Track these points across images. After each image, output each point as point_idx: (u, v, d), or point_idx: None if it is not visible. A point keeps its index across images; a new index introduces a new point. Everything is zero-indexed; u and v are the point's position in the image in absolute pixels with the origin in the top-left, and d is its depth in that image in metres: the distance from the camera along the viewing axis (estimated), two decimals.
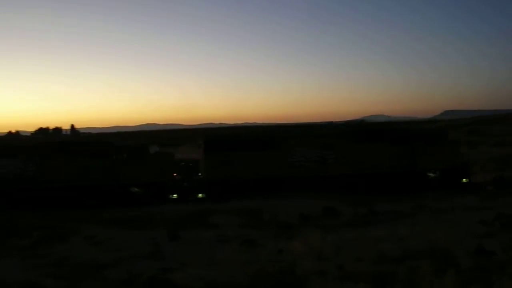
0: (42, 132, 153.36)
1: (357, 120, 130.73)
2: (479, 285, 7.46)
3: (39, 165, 32.03)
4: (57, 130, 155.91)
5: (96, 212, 25.07)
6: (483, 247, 9.92)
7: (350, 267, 9.39)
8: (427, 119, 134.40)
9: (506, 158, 42.48)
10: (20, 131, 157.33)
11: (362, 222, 18.16)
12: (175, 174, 34.83)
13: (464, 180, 33.34)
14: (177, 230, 16.51)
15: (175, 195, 33.21)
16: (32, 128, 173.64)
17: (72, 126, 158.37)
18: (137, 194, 33.24)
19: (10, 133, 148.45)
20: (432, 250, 10.37)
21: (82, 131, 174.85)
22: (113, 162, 33.05)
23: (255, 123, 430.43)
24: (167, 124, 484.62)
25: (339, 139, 34.89)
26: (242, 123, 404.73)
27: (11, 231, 18.15)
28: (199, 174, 35.26)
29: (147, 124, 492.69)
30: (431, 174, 34.61)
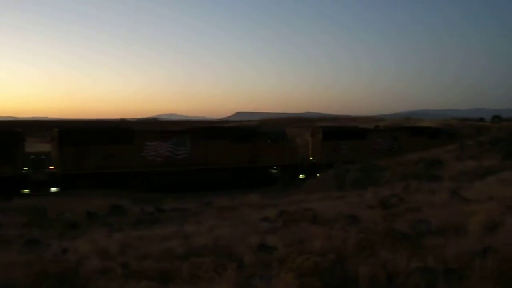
0: None
1: (151, 118, 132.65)
2: (260, 279, 7.86)
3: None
4: None
5: None
6: (265, 243, 10.49)
7: (135, 265, 9.44)
8: (220, 119, 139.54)
9: None
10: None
11: (149, 220, 18.55)
12: (25, 168, 34.11)
13: (301, 176, 37.21)
14: None
15: (26, 190, 32.93)
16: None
17: None
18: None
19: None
20: (216, 246, 10.78)
21: None
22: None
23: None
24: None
25: (191, 136, 37.92)
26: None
27: None
28: (51, 167, 34.88)
29: None
30: (273, 170, 39.48)
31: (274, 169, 38.81)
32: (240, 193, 27.25)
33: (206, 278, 8.03)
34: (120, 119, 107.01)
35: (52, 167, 34.62)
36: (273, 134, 41.12)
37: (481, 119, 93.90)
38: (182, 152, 36.43)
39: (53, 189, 33.74)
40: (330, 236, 10.74)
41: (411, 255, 9.03)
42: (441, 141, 44.67)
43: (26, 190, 33.06)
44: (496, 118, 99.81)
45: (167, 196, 27.59)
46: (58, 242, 13.75)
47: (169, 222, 17.40)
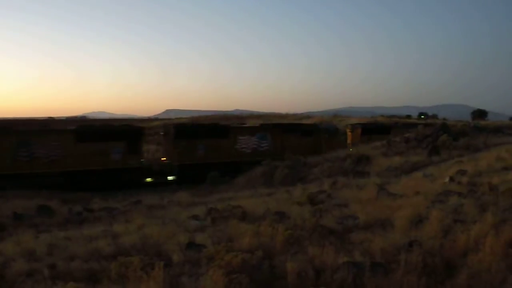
0: None
1: (79, 117, 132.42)
2: (188, 277, 7.94)
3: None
4: None
5: None
6: (194, 241, 10.55)
7: (62, 266, 9.27)
8: (149, 117, 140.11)
9: None
10: None
11: (77, 220, 18.39)
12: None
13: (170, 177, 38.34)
14: None
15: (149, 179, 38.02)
16: None
17: None
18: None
19: None
20: (145, 245, 10.75)
21: None
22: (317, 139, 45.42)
23: None
24: None
25: (271, 131, 44.56)
26: None
27: None
28: (163, 158, 41.08)
29: None
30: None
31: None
32: (170, 191, 27.05)
33: (134, 277, 7.95)
34: (48, 117, 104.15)
35: (164, 158, 41.28)
36: (329, 129, 48.71)
37: (408, 116, 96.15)
38: (265, 144, 43.16)
39: (170, 178, 38.40)
40: (259, 233, 10.80)
41: (339, 250, 9.17)
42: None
43: (149, 179, 37.84)
44: (423, 115, 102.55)
45: (95, 196, 27.07)
46: None
47: (97, 221, 17.08)
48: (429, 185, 18.15)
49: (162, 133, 45.04)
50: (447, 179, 18.69)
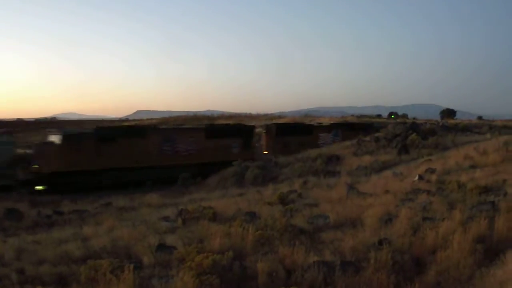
0: None
1: (49, 118, 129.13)
2: (158, 279, 7.92)
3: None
4: None
5: None
6: (164, 242, 10.52)
7: (31, 271, 9.15)
8: (120, 118, 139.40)
9: None
10: None
11: (47, 223, 18.16)
12: None
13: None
14: None
15: None
16: None
17: None
18: None
19: None
20: (115, 248, 10.71)
21: None
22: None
23: None
24: None
25: (342, 129, 50.83)
26: None
27: None
28: (265, 152, 45.96)
29: None
30: None
31: None
32: (140, 193, 26.80)
33: (104, 281, 7.89)
34: (17, 119, 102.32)
35: (266, 152, 45.61)
36: (369, 128, 50.89)
37: (379, 116, 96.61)
38: (338, 139, 46.85)
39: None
40: (229, 234, 10.81)
41: (309, 250, 9.23)
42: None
43: None
44: (393, 114, 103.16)
45: (66, 198, 26.65)
46: None
47: (67, 224, 16.87)
48: (399, 184, 18.36)
49: (264, 131, 49.06)
50: (416, 178, 18.93)
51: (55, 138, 33.64)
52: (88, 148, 33.35)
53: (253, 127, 47.86)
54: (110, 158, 34.09)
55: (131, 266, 8.04)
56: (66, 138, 33.06)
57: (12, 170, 32.66)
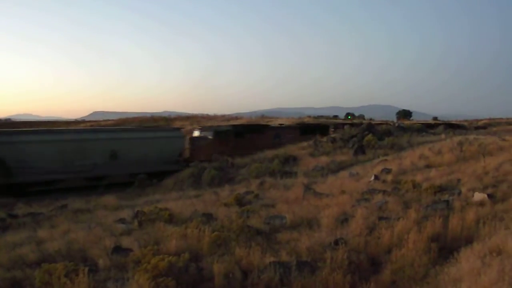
0: None
1: (3, 119, 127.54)
2: (114, 282, 7.94)
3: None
4: None
5: None
6: (120, 245, 10.46)
7: None
8: (76, 119, 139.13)
9: None
10: None
11: (0, 227, 17.99)
12: None
13: None
14: None
15: None
16: None
17: None
18: None
19: None
20: (70, 251, 10.60)
21: None
22: None
23: None
24: None
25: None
26: None
27: None
28: None
29: None
30: None
31: None
32: (96, 195, 26.45)
33: (58, 284, 7.81)
34: None
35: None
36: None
37: (335, 116, 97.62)
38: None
39: None
40: (186, 235, 10.78)
41: (265, 251, 9.26)
42: None
43: None
44: (350, 115, 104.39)
45: (21, 200, 26.12)
46: None
47: (21, 228, 16.52)
48: (355, 184, 18.56)
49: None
50: (372, 178, 19.16)
51: (207, 134, 42.38)
52: (229, 141, 41.90)
53: (328, 124, 56.92)
54: (241, 148, 40.49)
55: (86, 269, 7.98)
56: (216, 134, 42.27)
57: (180, 158, 39.64)
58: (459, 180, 16.90)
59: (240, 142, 43.03)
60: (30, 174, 30.28)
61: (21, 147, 30.40)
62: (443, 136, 35.76)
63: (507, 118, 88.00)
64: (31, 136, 32.55)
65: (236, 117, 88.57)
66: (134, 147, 36.30)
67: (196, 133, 44.06)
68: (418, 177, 18.13)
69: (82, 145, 33.56)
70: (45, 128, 47.36)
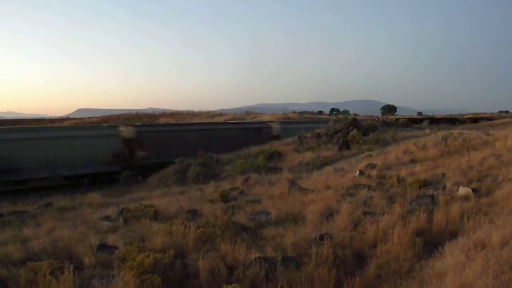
0: None
1: None
2: (99, 280, 7.91)
3: None
4: None
5: None
6: (106, 242, 10.46)
7: None
8: (61, 117, 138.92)
9: None
10: None
11: None
12: None
13: None
14: None
15: None
16: None
17: None
18: None
19: None
20: (55, 249, 10.57)
21: None
22: None
23: None
24: None
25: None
26: None
27: None
28: None
29: None
30: None
31: None
32: (81, 193, 26.31)
33: (44, 283, 7.79)
34: None
35: None
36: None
37: (320, 112, 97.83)
38: None
39: None
40: (171, 232, 10.80)
41: (251, 246, 9.29)
42: None
43: None
44: (334, 111, 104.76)
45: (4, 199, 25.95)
46: None
47: (6, 226, 16.44)
48: (340, 179, 18.62)
49: None
50: (357, 173, 19.25)
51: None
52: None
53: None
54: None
55: (71, 267, 8.00)
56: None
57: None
58: (443, 174, 17.02)
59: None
60: None
61: None
62: (427, 131, 35.93)
63: (491, 113, 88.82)
64: None
65: (220, 113, 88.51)
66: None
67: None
68: (403, 172, 18.24)
69: None
70: None
